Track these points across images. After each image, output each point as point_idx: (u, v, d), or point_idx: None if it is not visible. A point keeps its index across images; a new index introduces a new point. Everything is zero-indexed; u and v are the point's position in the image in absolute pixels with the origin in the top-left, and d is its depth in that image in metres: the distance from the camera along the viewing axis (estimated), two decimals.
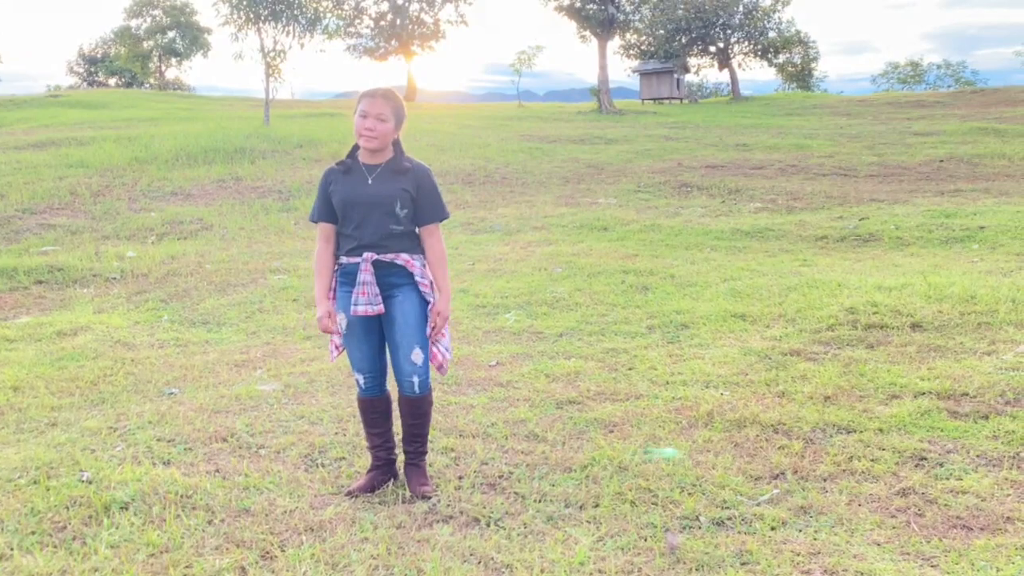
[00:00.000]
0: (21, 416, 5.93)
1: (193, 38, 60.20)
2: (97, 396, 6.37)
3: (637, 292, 9.25)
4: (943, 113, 35.02)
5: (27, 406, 6.12)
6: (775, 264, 10.77)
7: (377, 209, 4.31)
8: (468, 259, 11.55)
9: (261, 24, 24.48)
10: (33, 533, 4.15)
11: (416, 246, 4.43)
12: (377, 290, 4.31)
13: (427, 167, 4.49)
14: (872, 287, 8.69)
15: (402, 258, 4.36)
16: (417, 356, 4.43)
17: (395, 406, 4.74)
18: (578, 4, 42.84)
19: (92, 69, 71.80)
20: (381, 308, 4.33)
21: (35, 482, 4.72)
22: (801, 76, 62.44)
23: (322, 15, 25.65)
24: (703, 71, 58.97)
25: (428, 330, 4.45)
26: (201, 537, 4.10)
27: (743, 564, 3.77)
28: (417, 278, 4.40)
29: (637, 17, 45.93)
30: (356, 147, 4.45)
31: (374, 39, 64.05)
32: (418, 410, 4.55)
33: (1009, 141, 24.83)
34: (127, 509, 4.37)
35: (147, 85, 64.51)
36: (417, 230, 4.47)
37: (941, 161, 21.51)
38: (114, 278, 10.84)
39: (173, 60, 62.57)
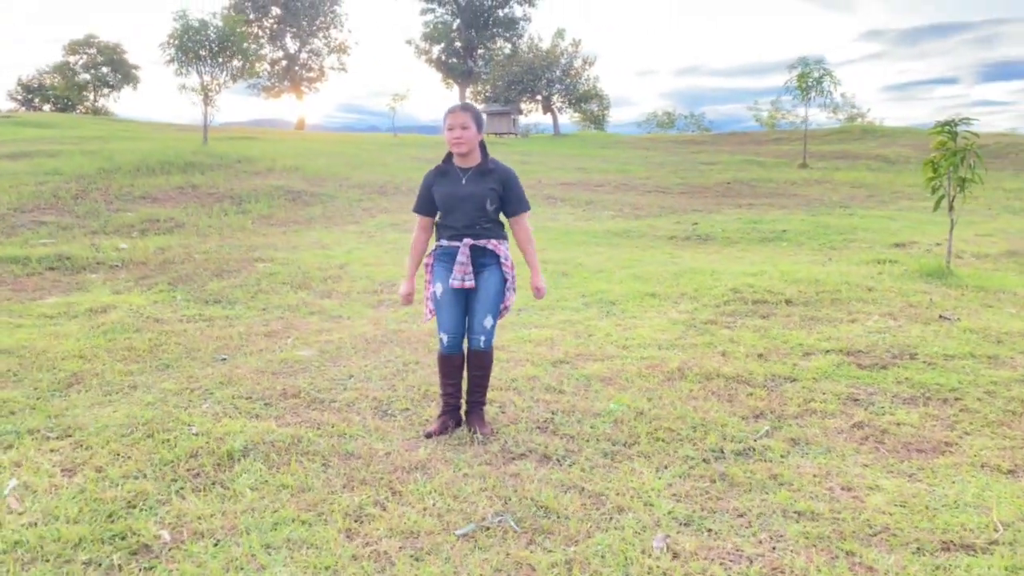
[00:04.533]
0: (101, 380, 5.21)
1: (125, 73, 56.19)
2: (160, 362, 5.68)
3: (561, 276, 9.06)
4: (715, 148, 36.36)
5: (102, 371, 5.39)
6: (652, 256, 10.80)
7: (471, 203, 4.07)
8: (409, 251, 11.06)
9: (201, 64, 22.93)
10: (174, 480, 3.62)
11: (501, 233, 4.22)
12: (471, 269, 4.07)
13: (510, 168, 4.21)
14: (739, 273, 8.80)
15: (492, 244, 4.16)
16: (488, 321, 4.23)
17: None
18: (443, 58, 42.42)
19: (29, 96, 65.96)
20: (472, 284, 4.16)
21: (150, 436, 4.14)
22: (598, 120, 63.95)
23: (252, 59, 24.29)
24: (531, 114, 59.54)
25: (505, 301, 4.27)
26: (327, 478, 3.67)
27: (780, 485, 3.65)
28: (502, 260, 4.19)
29: (487, 71, 45.73)
30: (450, 154, 4.14)
31: (270, 79, 62.10)
32: (482, 362, 4.33)
33: (770, 169, 25.97)
34: (247, 456, 3.88)
35: (78, 111, 59.72)
36: (503, 218, 4.28)
37: (728, 183, 22.26)
38: (116, 265, 9.81)
39: (105, 90, 58.12)
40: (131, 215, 13.55)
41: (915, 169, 25.40)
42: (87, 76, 55.99)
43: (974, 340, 5.98)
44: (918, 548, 3.06)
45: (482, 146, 4.18)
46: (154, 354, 5.89)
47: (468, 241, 4.10)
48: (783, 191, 20.81)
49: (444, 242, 4.19)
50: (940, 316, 6.76)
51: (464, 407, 4.43)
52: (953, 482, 3.69)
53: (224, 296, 8.11)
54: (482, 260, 4.15)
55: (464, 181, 4.11)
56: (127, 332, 6.53)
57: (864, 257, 10.39)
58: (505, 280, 4.20)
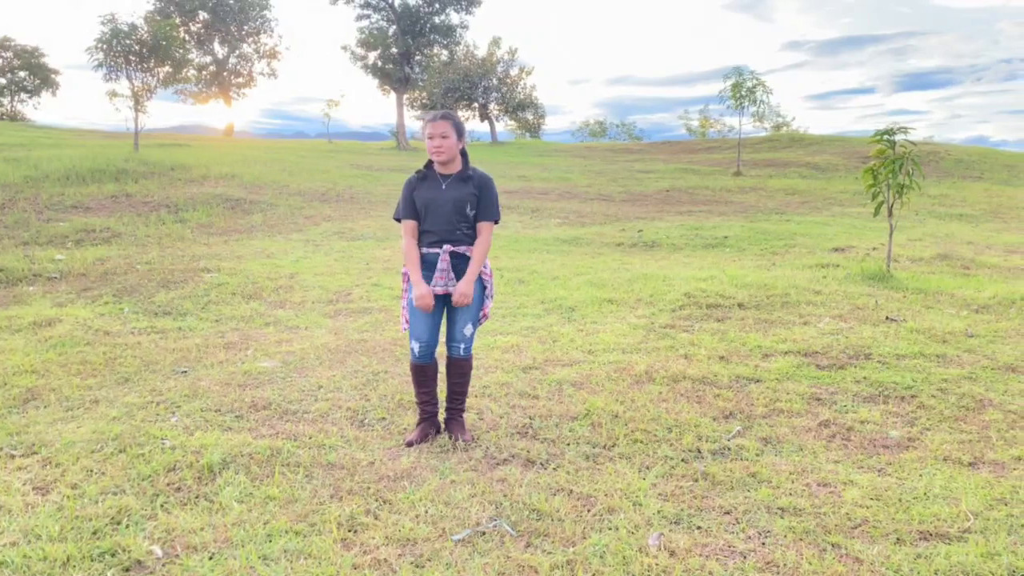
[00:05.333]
0: (60, 395, 5.05)
1: (44, 77, 54.17)
2: (118, 376, 5.53)
3: (517, 284, 9.14)
4: (650, 157, 37.01)
5: (59, 386, 5.22)
6: (603, 263, 10.97)
7: (451, 208, 4.10)
8: (360, 260, 11.02)
9: (131, 69, 22.33)
10: (156, 494, 3.54)
11: None
12: (453, 275, 4.10)
13: (490, 176, 4.25)
14: (689, 278, 9.02)
15: (470, 250, 4.19)
16: (468, 329, 4.26)
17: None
18: (379, 64, 42.15)
19: None
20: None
21: (122, 451, 4.05)
22: (533, 129, 64.40)
23: (182, 64, 23.75)
24: (468, 121, 59.58)
25: (484, 308, 4.30)
26: (313, 489, 3.65)
27: (759, 483, 3.77)
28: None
29: (424, 77, 45.58)
30: (431, 160, 4.17)
31: (197, 85, 60.82)
32: (461, 370, 4.36)
33: (705, 177, 26.62)
34: (227, 469, 3.83)
35: None
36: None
37: (667, 191, 22.73)
38: (55, 277, 9.48)
39: (23, 96, 55.91)
40: (64, 225, 13.11)
41: (845, 176, 26.38)
42: (2, 80, 53.76)
43: (922, 340, 6.27)
44: (898, 539, 3.22)
45: (463, 153, 4.21)
46: (111, 368, 5.73)
47: (448, 248, 4.12)
48: (720, 198, 21.34)
49: (424, 249, 4.19)
50: (887, 318, 7.06)
51: (444, 415, 4.45)
52: (920, 475, 3.87)
53: (173, 307, 7.94)
54: (463, 267, 4.17)
55: (444, 187, 4.14)
56: (78, 346, 6.34)
57: (807, 262, 10.75)
58: (484, 288, 4.25)
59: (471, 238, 4.18)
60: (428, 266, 4.17)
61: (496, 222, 4.27)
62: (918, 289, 8.49)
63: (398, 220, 4.26)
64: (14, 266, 9.76)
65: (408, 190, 4.23)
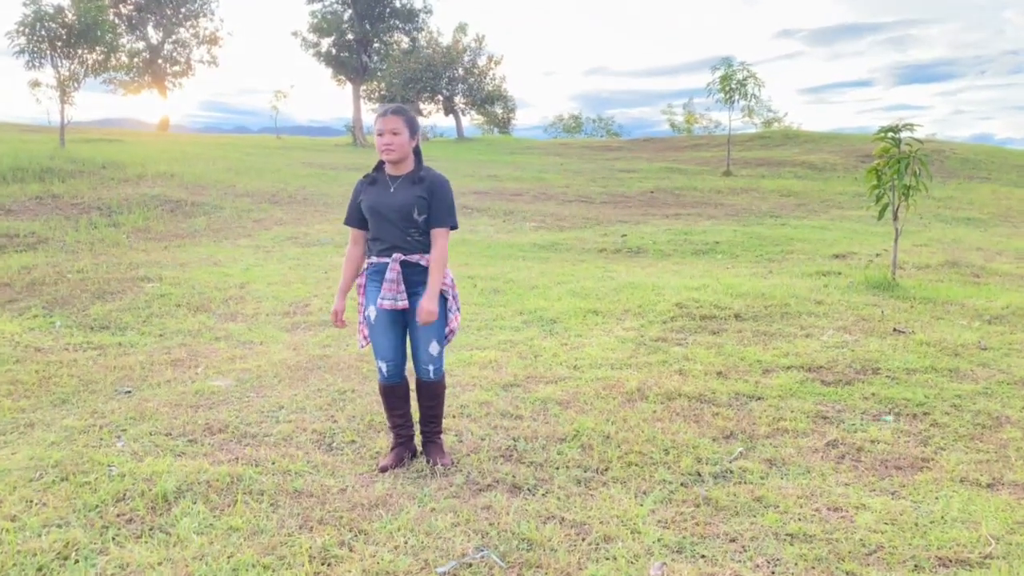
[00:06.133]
0: None
1: None
2: (54, 397, 5.49)
3: (492, 294, 9.19)
4: (631, 155, 37.29)
5: None
6: (585, 270, 11.06)
7: (397, 213, 4.10)
8: (318, 268, 11.00)
9: (57, 55, 22.09)
10: (105, 527, 3.53)
11: None
12: (403, 287, 4.12)
13: (444, 178, 4.24)
14: (680, 287, 9.13)
15: (425, 259, 4.15)
16: (434, 348, 4.24)
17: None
18: (333, 51, 42.09)
19: None
20: (405, 304, 4.15)
21: (64, 479, 4.02)
22: (502, 123, 64.58)
23: (114, 50, 23.49)
24: (432, 115, 59.66)
25: (449, 323, 4.29)
26: (279, 518, 3.65)
27: (766, 507, 3.85)
28: None
29: (383, 67, 45.60)
30: (382, 162, 4.21)
31: (129, 73, 60.22)
32: (433, 392, 4.38)
33: (693, 177, 26.89)
34: (183, 498, 3.82)
35: None
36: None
37: (652, 192, 22.95)
38: None
39: None
40: None
41: (843, 176, 26.81)
42: None
43: (932, 353, 6.42)
44: (915, 566, 3.31)
45: (416, 153, 4.23)
46: (45, 387, 5.69)
47: (398, 256, 4.09)
48: (709, 200, 21.60)
49: (374, 259, 4.18)
50: (894, 329, 7.21)
51: (420, 438, 4.47)
52: (936, 498, 3.98)
53: (111, 321, 7.87)
54: (416, 278, 4.13)
55: (392, 189, 4.13)
56: (7, 363, 6.27)
57: (805, 269, 10.93)
58: (446, 300, 4.23)
59: (425, 245, 4.15)
60: (379, 277, 4.16)
61: (453, 228, 4.23)
62: (926, 298, 8.68)
63: (347, 225, 4.30)
64: None
65: (356, 193, 4.25)
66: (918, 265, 11.37)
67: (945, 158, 30.34)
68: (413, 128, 4.19)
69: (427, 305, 4.07)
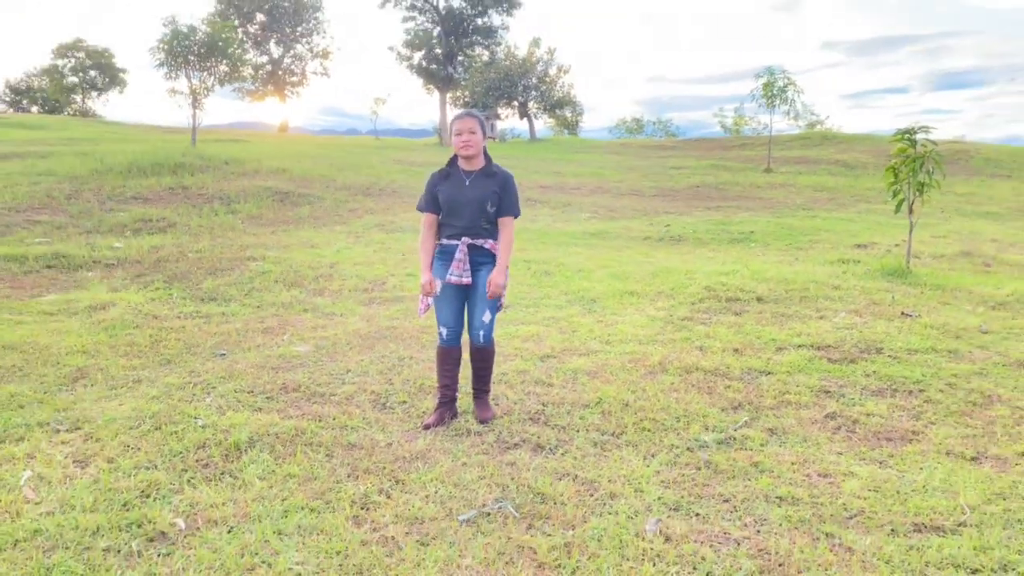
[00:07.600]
0: (106, 375, 5.18)
1: (113, 76, 55.47)
2: (161, 357, 5.65)
3: (543, 276, 9.12)
4: (683, 154, 36.52)
5: (106, 366, 5.35)
6: (628, 256, 10.88)
7: (473, 205, 4.13)
8: (397, 251, 11.08)
9: (190, 68, 22.71)
10: (185, 470, 3.61)
11: (498, 234, 4.24)
12: (468, 266, 4.13)
13: (511, 173, 4.27)
14: (712, 272, 8.91)
15: (489, 243, 4.22)
16: (487, 317, 4.28)
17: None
18: (424, 64, 42.30)
19: (17, 98, 64.68)
20: (470, 280, 4.22)
21: (157, 428, 4.12)
22: (571, 126, 63.95)
23: (238, 63, 24.06)
24: (508, 119, 59.52)
25: (490, 294, 4.26)
26: (332, 467, 3.68)
27: (761, 472, 3.72)
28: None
29: (466, 77, 45.63)
30: (455, 157, 4.19)
31: (254, 83, 61.72)
32: (483, 355, 4.41)
33: (736, 174, 26.20)
34: (253, 447, 3.88)
35: (67, 112, 58.82)
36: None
37: (698, 187, 22.46)
38: (112, 263, 9.70)
39: (93, 93, 57.26)
40: (124, 215, 13.39)
41: (873, 174, 25.77)
42: (75, 79, 55.14)
43: (935, 335, 6.11)
44: (892, 530, 3.15)
45: (485, 152, 4.22)
46: (155, 349, 5.85)
47: (466, 240, 4.15)
48: (749, 194, 21.03)
49: (444, 240, 4.24)
50: (902, 313, 6.90)
51: (473, 393, 4.52)
52: (921, 468, 3.78)
53: (219, 294, 8.07)
54: (479, 259, 4.20)
55: (467, 183, 4.16)
56: (127, 328, 6.48)
57: (829, 257, 10.54)
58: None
59: (490, 232, 4.21)
60: (446, 256, 4.21)
61: (517, 216, 4.28)
62: (936, 285, 8.28)
63: (421, 211, 4.29)
64: (76, 253, 10.00)
65: (431, 185, 4.26)
66: (934, 255, 10.85)
67: (970, 158, 28.94)
68: (485, 128, 4.23)
69: (497, 278, 4.14)
